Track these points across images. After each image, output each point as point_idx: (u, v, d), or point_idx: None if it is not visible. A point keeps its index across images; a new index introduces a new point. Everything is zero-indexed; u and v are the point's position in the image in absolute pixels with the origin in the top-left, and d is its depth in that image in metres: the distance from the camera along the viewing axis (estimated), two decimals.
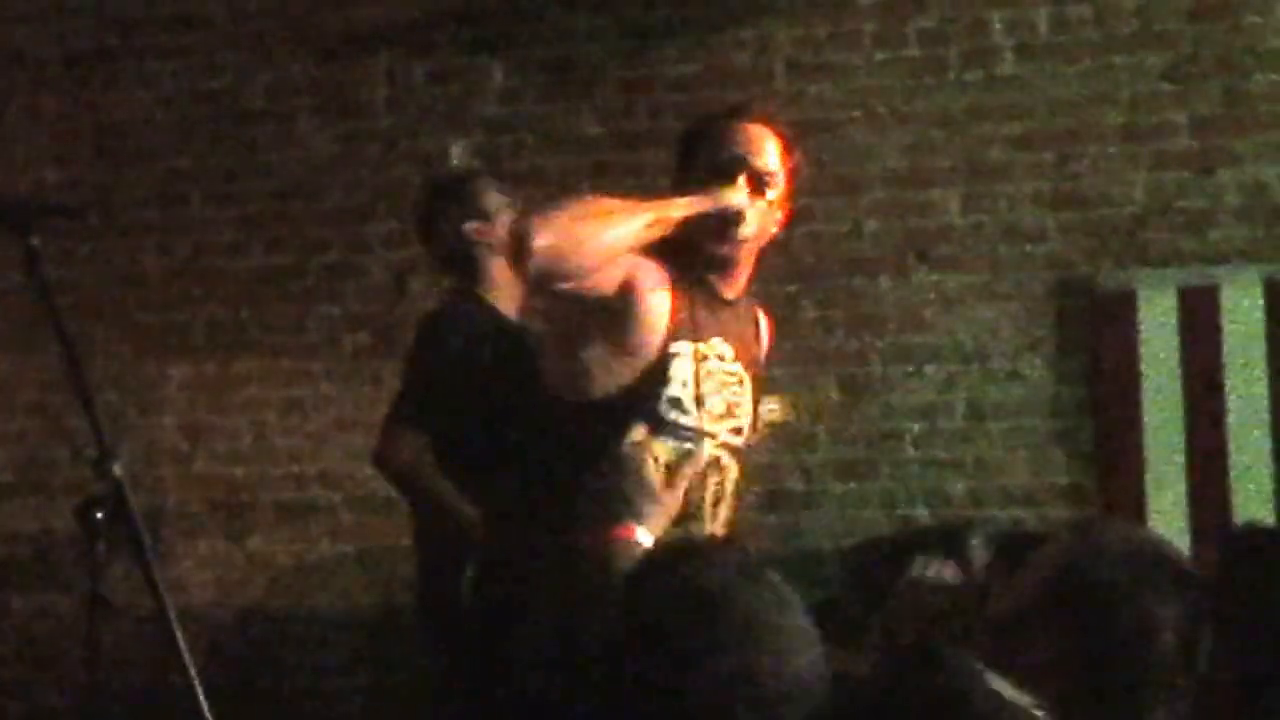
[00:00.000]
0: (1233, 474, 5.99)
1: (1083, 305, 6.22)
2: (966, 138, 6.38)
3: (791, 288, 6.49)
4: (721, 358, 3.64)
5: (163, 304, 7.11)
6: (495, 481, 3.99)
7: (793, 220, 6.42)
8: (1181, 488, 6.01)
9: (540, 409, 3.58)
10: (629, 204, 3.46)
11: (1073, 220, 6.27)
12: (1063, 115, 6.29)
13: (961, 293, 6.37)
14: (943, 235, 6.39)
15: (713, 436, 3.59)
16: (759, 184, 3.62)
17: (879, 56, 6.48)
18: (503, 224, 4.70)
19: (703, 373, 3.58)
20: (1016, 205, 6.32)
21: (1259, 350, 5.99)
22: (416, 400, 4.80)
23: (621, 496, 3.20)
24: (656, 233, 3.46)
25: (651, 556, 2.52)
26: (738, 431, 3.69)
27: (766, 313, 3.98)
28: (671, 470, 3.34)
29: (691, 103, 6.58)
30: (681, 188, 3.63)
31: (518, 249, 3.34)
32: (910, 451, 6.42)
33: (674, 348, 3.52)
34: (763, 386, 3.82)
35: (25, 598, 7.14)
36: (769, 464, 6.47)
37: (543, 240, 3.29)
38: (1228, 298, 6.03)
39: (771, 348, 3.99)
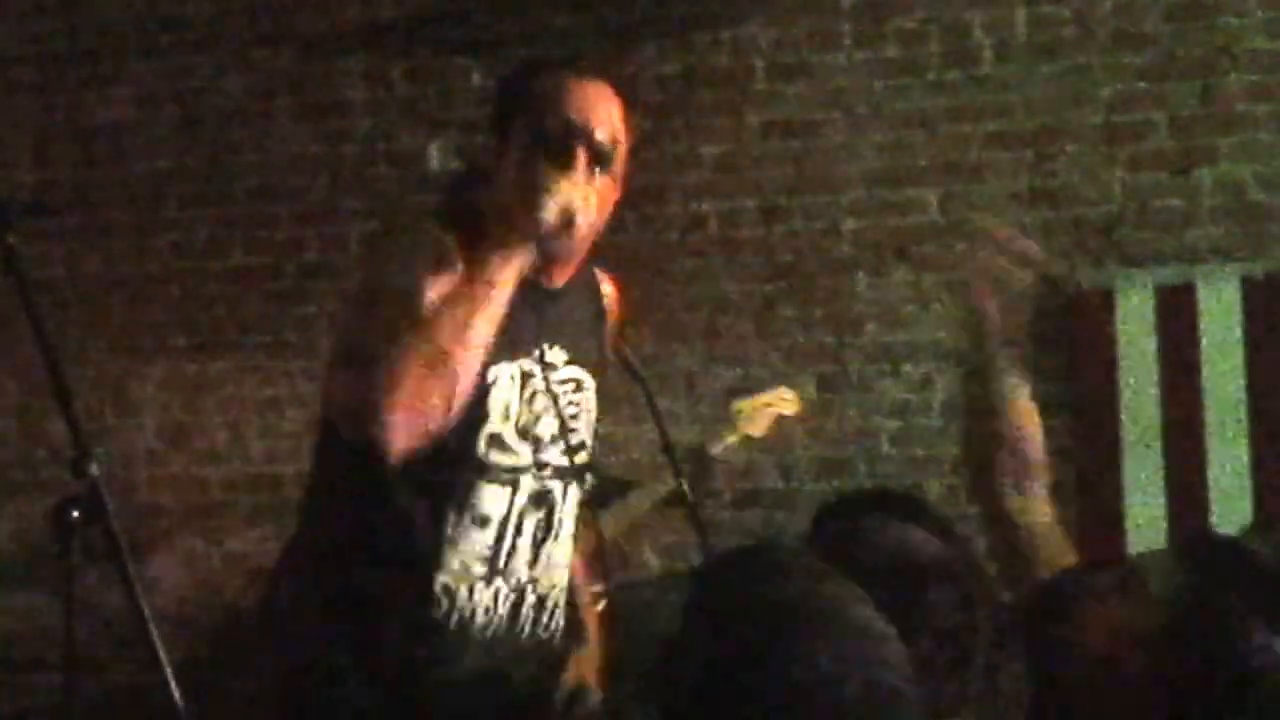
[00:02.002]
0: (1211, 472, 6.00)
1: (1060, 304, 6.23)
2: (945, 137, 6.39)
3: (769, 286, 6.50)
4: (552, 366, 3.13)
5: (140, 304, 7.11)
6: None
7: (770, 219, 6.51)
8: (1159, 486, 6.02)
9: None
10: (453, 314, 2.86)
11: (1051, 219, 6.29)
12: (1041, 115, 6.30)
13: (939, 292, 6.38)
14: (921, 234, 6.40)
15: (539, 468, 3.11)
16: (599, 158, 3.00)
17: (858, 56, 6.48)
18: None
19: (526, 395, 3.09)
20: (994, 204, 6.33)
21: (1236, 348, 6.00)
22: None
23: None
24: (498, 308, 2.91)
25: (712, 574, 2.30)
26: (576, 449, 3.17)
27: (613, 279, 3.38)
28: (484, 521, 3.04)
29: (671, 102, 6.59)
30: (502, 157, 3.04)
31: (363, 434, 2.84)
32: (887, 450, 6.43)
33: (490, 374, 3.00)
34: (603, 370, 3.31)
35: (1, 598, 7.13)
36: (747, 463, 6.49)
37: (393, 419, 2.80)
38: (1205, 296, 6.05)
39: (623, 318, 3.44)
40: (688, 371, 6.55)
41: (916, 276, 6.39)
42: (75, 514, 2.54)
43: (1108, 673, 2.38)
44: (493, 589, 3.07)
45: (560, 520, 3.18)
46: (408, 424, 2.81)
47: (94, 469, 2.54)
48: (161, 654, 2.41)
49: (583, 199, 2.96)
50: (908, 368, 6.41)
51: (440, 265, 2.95)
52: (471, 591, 3.05)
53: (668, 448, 4.12)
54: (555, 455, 3.14)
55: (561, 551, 3.20)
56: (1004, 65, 6.35)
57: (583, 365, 3.21)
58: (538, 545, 3.14)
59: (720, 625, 1.99)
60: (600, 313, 3.33)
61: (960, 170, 6.37)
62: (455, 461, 3.02)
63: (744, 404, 5.73)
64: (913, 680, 1.97)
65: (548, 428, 3.12)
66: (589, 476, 3.24)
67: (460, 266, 2.94)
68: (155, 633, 2.43)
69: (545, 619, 3.20)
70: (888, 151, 6.44)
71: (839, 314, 6.47)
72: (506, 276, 2.91)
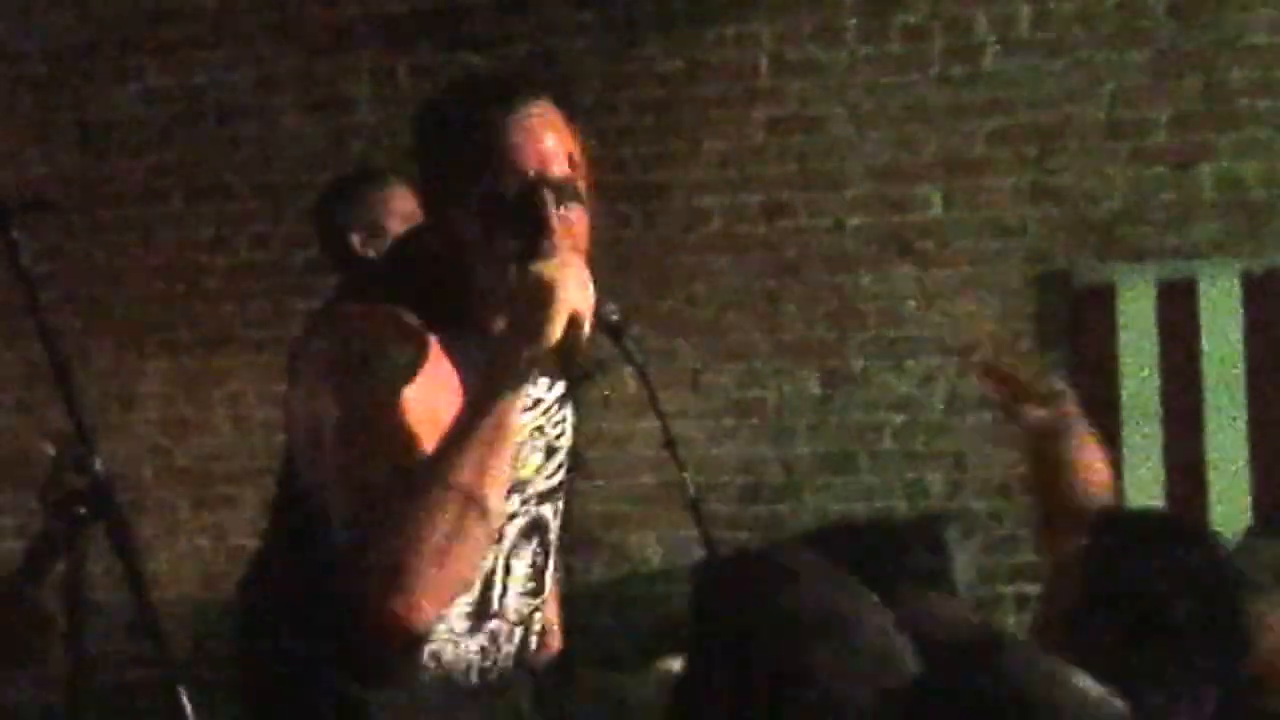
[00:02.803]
0: (1210, 467, 6.01)
1: (1061, 299, 6.24)
2: (948, 133, 6.40)
3: (773, 282, 6.51)
4: (537, 403, 2.84)
5: (145, 299, 7.11)
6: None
7: (774, 214, 6.52)
8: (1159, 480, 6.03)
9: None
10: (474, 456, 2.51)
11: (1053, 215, 6.30)
12: (1044, 110, 6.31)
13: (941, 287, 6.38)
14: (924, 230, 6.41)
15: (525, 503, 2.86)
16: (563, 194, 2.66)
17: (862, 52, 6.49)
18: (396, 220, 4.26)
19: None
20: (997, 200, 6.34)
21: (1236, 344, 6.01)
22: None
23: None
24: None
25: (720, 577, 2.30)
26: (559, 469, 2.94)
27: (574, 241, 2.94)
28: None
29: (675, 98, 6.60)
30: (446, 223, 2.69)
31: (381, 615, 2.54)
32: (890, 444, 6.44)
33: None
34: (577, 364, 2.71)
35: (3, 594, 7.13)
36: (750, 457, 6.50)
37: (422, 601, 2.52)
38: (1206, 292, 6.06)
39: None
40: (691, 367, 6.56)
41: (920, 272, 6.40)
42: (80, 509, 2.54)
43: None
44: (487, 632, 2.85)
45: (550, 534, 2.97)
46: (438, 601, 2.59)
47: (98, 464, 2.54)
48: (167, 647, 2.41)
49: (578, 283, 2.56)
50: (911, 363, 6.41)
51: (425, 364, 2.62)
52: (457, 646, 2.82)
53: (670, 442, 4.13)
54: (540, 483, 2.91)
55: (555, 562, 3.02)
56: (1007, 61, 6.36)
57: (560, 376, 2.83)
58: (540, 573, 2.94)
59: (739, 638, 2.01)
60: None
61: (963, 166, 6.38)
62: None
63: None
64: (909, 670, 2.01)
65: (533, 459, 2.87)
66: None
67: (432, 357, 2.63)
68: (160, 628, 2.43)
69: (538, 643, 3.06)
70: (891, 147, 6.45)
71: (842, 309, 6.48)
72: (519, 404, 2.59)
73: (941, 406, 6.38)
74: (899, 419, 6.44)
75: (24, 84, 7.27)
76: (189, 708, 2.39)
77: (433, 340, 2.63)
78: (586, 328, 2.57)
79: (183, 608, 6.69)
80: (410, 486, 2.51)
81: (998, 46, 6.36)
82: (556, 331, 2.51)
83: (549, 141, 2.67)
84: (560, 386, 2.90)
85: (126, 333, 7.11)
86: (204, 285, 7.05)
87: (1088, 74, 6.28)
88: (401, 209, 4.39)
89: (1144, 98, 6.23)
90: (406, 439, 2.55)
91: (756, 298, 6.57)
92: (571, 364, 2.63)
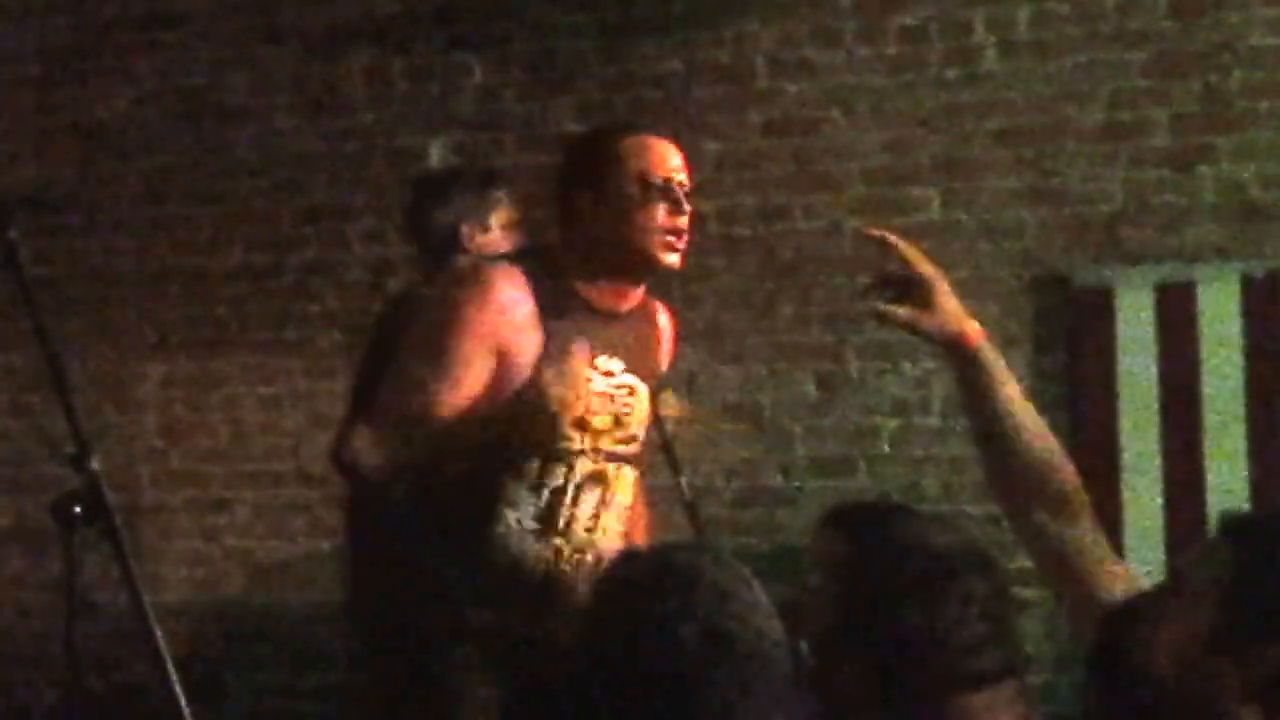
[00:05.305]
0: (1208, 471, 5.99)
1: (1060, 302, 6.23)
2: (946, 135, 6.39)
3: (770, 284, 6.50)
4: (609, 373, 3.77)
5: (141, 301, 7.11)
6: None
7: (771, 216, 6.51)
8: (1157, 484, 6.02)
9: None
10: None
11: (1051, 217, 6.28)
12: (1042, 112, 6.30)
13: None
14: (922, 232, 6.39)
15: (594, 452, 3.76)
16: (685, 199, 3.74)
17: (859, 54, 6.48)
18: (499, 237, 4.74)
19: (582, 393, 3.70)
20: (995, 202, 6.33)
21: (1235, 348, 6.00)
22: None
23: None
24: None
25: (622, 553, 2.79)
26: (628, 440, 3.84)
27: (669, 309, 4.07)
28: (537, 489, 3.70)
29: (672, 100, 6.59)
30: (598, 207, 3.72)
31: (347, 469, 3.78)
32: (886, 448, 6.43)
33: (549, 375, 3.65)
34: (656, 381, 4.00)
35: (3, 595, 7.14)
36: (746, 460, 6.49)
37: (372, 462, 3.72)
38: (1204, 295, 6.04)
39: (676, 342, 4.12)
40: (688, 370, 6.54)
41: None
42: (77, 510, 2.54)
43: (1182, 693, 2.34)
44: (552, 545, 3.72)
45: (614, 495, 3.82)
46: (386, 469, 3.78)
47: (94, 465, 2.54)
48: (163, 649, 2.41)
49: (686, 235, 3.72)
50: (907, 366, 6.40)
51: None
52: (524, 542, 3.70)
53: (667, 445, 4.15)
54: (608, 443, 3.77)
55: (614, 519, 3.83)
56: (1005, 62, 6.34)
57: (637, 374, 3.83)
58: (597, 515, 3.78)
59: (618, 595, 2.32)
60: (656, 336, 3.97)
61: (961, 168, 6.37)
62: (518, 442, 3.68)
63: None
64: (769, 634, 2.23)
65: (602, 422, 3.75)
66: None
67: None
68: (157, 629, 2.43)
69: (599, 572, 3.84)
70: (889, 149, 6.44)
71: (839, 312, 6.46)
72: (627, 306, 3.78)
73: (938, 410, 6.36)
74: (895, 422, 6.43)
75: (20, 86, 7.26)
76: (185, 707, 2.39)
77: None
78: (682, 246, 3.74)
79: (179, 610, 6.69)
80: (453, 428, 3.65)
81: (996, 48, 6.35)
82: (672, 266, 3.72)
83: (677, 161, 3.76)
84: (632, 378, 3.80)
85: (122, 335, 7.11)
86: (200, 287, 7.05)
87: (1086, 75, 6.26)
88: (508, 217, 4.84)
89: (1143, 99, 6.21)
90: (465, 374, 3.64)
91: (753, 300, 6.56)
92: (655, 373, 3.94)
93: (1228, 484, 5.95)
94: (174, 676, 2.43)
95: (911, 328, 3.01)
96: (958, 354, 3.04)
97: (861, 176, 6.46)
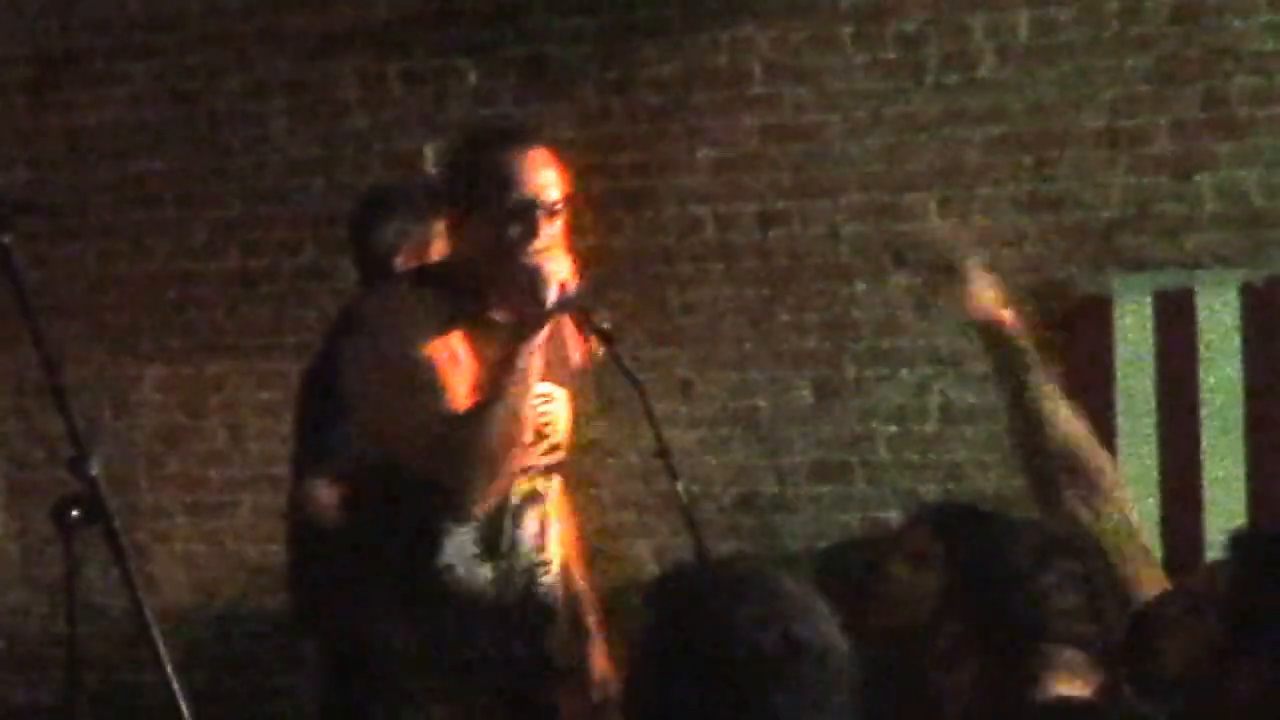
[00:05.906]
0: (1206, 478, 6.00)
1: (1059, 309, 6.22)
2: (944, 141, 6.38)
3: (766, 291, 6.50)
4: None
5: (137, 306, 7.11)
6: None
7: (768, 223, 6.50)
8: (1155, 492, 6.02)
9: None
10: (504, 407, 3.54)
11: (1050, 224, 6.28)
12: (1041, 118, 6.29)
13: (937, 296, 6.36)
14: (920, 239, 6.38)
15: (524, 470, 3.72)
16: (554, 216, 3.62)
17: (857, 59, 6.47)
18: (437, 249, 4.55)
19: None
20: (994, 209, 6.32)
21: (1234, 355, 6.00)
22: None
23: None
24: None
25: (677, 566, 2.92)
26: (553, 449, 3.82)
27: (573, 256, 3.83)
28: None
29: (669, 104, 6.58)
30: (468, 229, 3.68)
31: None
32: (884, 455, 6.42)
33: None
34: (574, 379, 3.92)
35: (2, 598, 7.14)
36: (743, 466, 6.48)
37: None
38: (1204, 302, 6.04)
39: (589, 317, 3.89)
40: (685, 376, 6.54)
41: (914, 281, 6.38)
42: (75, 514, 2.54)
43: (1203, 697, 2.44)
44: (498, 569, 3.72)
45: (551, 510, 3.84)
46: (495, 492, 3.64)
47: (93, 469, 2.54)
48: (162, 653, 2.41)
49: (563, 264, 3.56)
50: (905, 373, 6.40)
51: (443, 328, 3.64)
52: (470, 569, 3.70)
53: (663, 452, 4.15)
54: (533, 458, 3.74)
55: (556, 534, 3.87)
56: (1004, 68, 6.33)
57: (553, 380, 3.76)
58: (544, 531, 3.80)
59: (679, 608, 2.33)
60: (563, 334, 3.83)
61: (959, 174, 6.36)
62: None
63: None
64: (838, 645, 2.26)
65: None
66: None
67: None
68: (157, 632, 2.43)
69: (552, 589, 3.89)
70: (886, 155, 6.43)
71: (836, 318, 6.46)
72: (529, 362, 3.55)
73: (936, 416, 6.36)
74: (893, 429, 6.42)
75: (14, 89, 7.26)
76: (185, 710, 2.39)
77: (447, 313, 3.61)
78: (569, 295, 3.53)
79: (177, 613, 6.69)
80: (465, 416, 3.53)
81: (994, 54, 6.34)
82: (551, 295, 3.49)
83: (549, 175, 3.63)
84: (547, 386, 3.72)
85: (119, 339, 7.11)
86: (196, 292, 7.05)
87: (1086, 81, 6.25)
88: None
89: (1143, 106, 6.20)
90: (441, 382, 3.57)
91: (750, 306, 6.55)
92: (571, 371, 3.83)
93: (1226, 490, 5.95)
94: (173, 679, 2.43)
95: (956, 308, 3.34)
96: (993, 336, 3.31)
97: (859, 182, 6.46)
